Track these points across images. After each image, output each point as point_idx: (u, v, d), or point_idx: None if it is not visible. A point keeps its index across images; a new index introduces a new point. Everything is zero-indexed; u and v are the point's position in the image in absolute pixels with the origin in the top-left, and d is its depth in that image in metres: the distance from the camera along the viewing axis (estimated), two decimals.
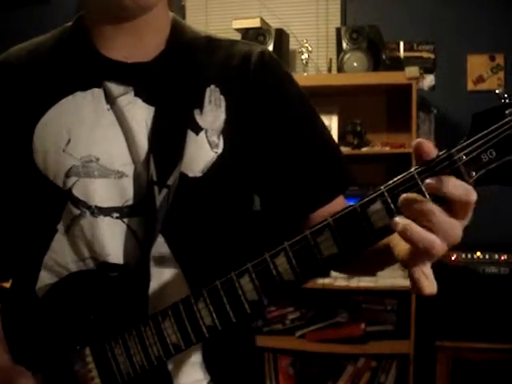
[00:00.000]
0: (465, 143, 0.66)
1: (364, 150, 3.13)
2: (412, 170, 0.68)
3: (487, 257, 2.88)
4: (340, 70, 3.18)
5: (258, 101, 0.95)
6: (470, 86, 3.36)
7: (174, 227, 0.90)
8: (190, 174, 0.90)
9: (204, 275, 0.86)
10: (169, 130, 0.91)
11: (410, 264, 0.68)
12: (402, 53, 3.42)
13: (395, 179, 0.69)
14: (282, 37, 3.28)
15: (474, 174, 0.65)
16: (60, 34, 1.01)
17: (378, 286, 2.99)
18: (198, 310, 0.79)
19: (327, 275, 3.02)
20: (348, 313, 3.09)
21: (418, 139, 0.69)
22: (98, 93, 0.93)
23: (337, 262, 0.72)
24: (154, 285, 0.88)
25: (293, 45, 3.45)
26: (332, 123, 3.19)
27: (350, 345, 2.99)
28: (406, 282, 2.89)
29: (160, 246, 0.89)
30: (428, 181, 0.66)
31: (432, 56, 3.41)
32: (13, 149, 0.94)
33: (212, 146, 0.92)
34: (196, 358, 0.92)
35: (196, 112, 0.92)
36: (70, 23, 1.02)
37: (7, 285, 1.02)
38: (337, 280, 3.02)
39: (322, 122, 1.00)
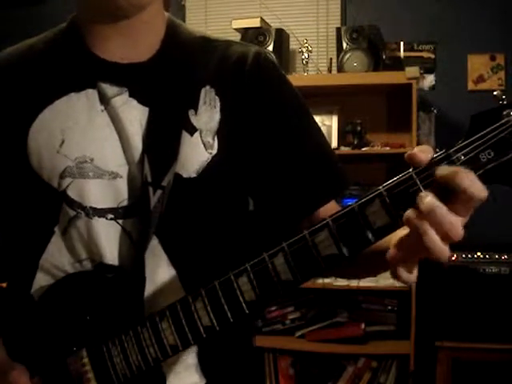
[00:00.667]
0: (463, 143, 0.67)
1: (364, 149, 3.13)
2: (410, 170, 0.69)
3: (487, 257, 2.88)
4: (340, 69, 3.18)
5: (254, 102, 0.95)
6: (471, 86, 3.36)
7: (168, 228, 0.89)
8: (185, 175, 0.90)
9: (198, 276, 0.86)
10: (163, 131, 0.91)
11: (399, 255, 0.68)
12: (402, 53, 3.42)
13: (393, 179, 0.69)
14: (282, 37, 3.28)
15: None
16: (53, 36, 1.00)
17: (378, 286, 2.99)
18: (195, 310, 0.79)
19: (326, 276, 3.02)
20: (348, 313, 3.09)
21: (410, 152, 0.69)
22: (92, 94, 0.92)
23: (336, 262, 0.72)
24: (149, 286, 0.88)
25: (293, 45, 3.45)
26: (332, 123, 3.19)
27: (350, 345, 2.99)
28: None
29: (154, 248, 0.89)
30: (442, 169, 0.65)
31: (432, 56, 3.41)
32: (7, 151, 0.94)
33: (207, 146, 0.91)
34: (191, 360, 0.92)
35: (191, 112, 0.92)
36: (63, 24, 1.02)
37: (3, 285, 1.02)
38: (337, 280, 3.01)
39: (317, 125, 1.00)
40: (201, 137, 0.91)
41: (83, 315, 0.87)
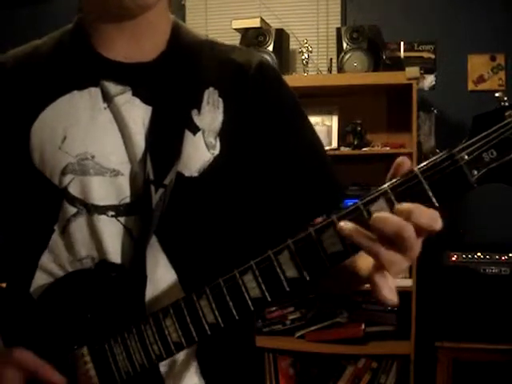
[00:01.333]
0: (466, 143, 0.68)
1: (364, 150, 3.13)
2: (415, 169, 0.69)
3: (487, 257, 2.88)
4: (340, 70, 3.17)
5: (256, 106, 0.95)
6: (471, 86, 3.35)
7: (168, 227, 0.90)
8: (187, 174, 0.90)
9: (196, 276, 0.86)
10: (166, 130, 0.91)
11: (373, 274, 0.70)
12: (402, 53, 3.42)
13: (398, 178, 0.70)
14: (282, 37, 3.28)
15: (475, 172, 0.67)
16: (59, 36, 1.01)
17: None
18: (200, 308, 0.79)
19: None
20: (348, 313, 3.09)
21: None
22: (94, 92, 0.93)
23: (342, 258, 0.73)
24: (149, 284, 0.88)
25: (293, 45, 3.44)
26: (332, 123, 3.19)
27: (351, 345, 2.99)
28: (406, 283, 2.90)
29: (153, 246, 0.89)
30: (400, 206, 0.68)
31: (432, 56, 3.41)
32: (10, 148, 0.94)
33: (209, 146, 0.92)
34: (190, 362, 0.92)
35: (194, 112, 0.92)
36: (69, 25, 1.02)
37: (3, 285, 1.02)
38: None
39: (315, 134, 1.02)
40: (203, 137, 0.92)
41: (84, 313, 0.87)
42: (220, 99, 0.94)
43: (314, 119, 3.01)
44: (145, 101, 0.92)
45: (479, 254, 2.88)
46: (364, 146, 3.14)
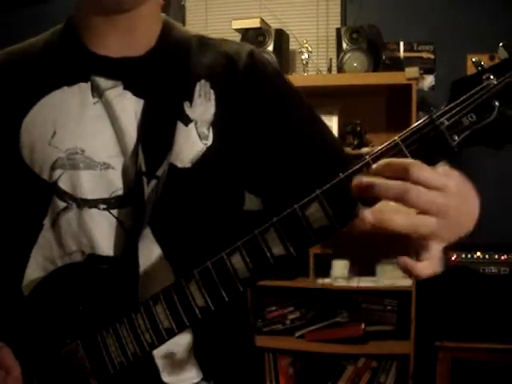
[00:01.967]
0: (446, 108, 0.69)
1: (364, 150, 3.13)
2: (396, 137, 0.69)
3: (487, 257, 2.88)
4: (340, 70, 3.18)
5: (248, 96, 0.95)
6: None
7: (160, 218, 0.90)
8: (179, 165, 0.90)
9: (189, 264, 0.85)
10: (158, 121, 0.91)
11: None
12: (401, 53, 3.42)
13: (379, 148, 0.70)
14: (281, 37, 3.28)
15: (456, 137, 0.67)
16: (51, 34, 1.02)
17: (378, 286, 2.99)
18: (189, 293, 0.79)
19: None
20: (348, 313, 3.09)
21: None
22: (84, 87, 0.93)
23: (328, 232, 0.72)
24: (142, 275, 0.88)
25: (293, 45, 3.45)
26: (332, 123, 3.19)
27: (350, 345, 2.99)
28: (406, 282, 2.90)
29: (147, 237, 0.89)
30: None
31: (432, 56, 3.41)
32: (0, 144, 0.94)
33: (201, 137, 0.92)
34: (187, 355, 0.92)
35: (186, 105, 0.93)
36: (60, 25, 1.03)
37: None
38: (337, 280, 3.02)
39: (317, 116, 1.01)
40: (196, 128, 0.92)
41: (76, 306, 0.87)
42: (212, 90, 0.94)
43: None
44: (136, 94, 0.93)
45: (479, 253, 2.89)
46: (364, 146, 3.15)
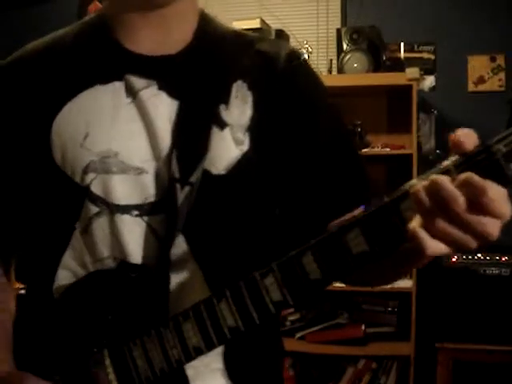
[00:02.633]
0: (504, 134, 0.61)
1: (364, 151, 3.12)
2: (448, 162, 0.63)
3: (488, 258, 2.88)
4: (340, 70, 3.17)
5: (286, 100, 0.92)
6: (471, 87, 3.35)
7: (195, 226, 0.86)
8: (214, 172, 0.86)
9: (223, 276, 0.83)
10: (193, 125, 0.87)
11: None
12: (402, 54, 3.42)
13: (430, 172, 0.64)
14: (281, 38, 3.28)
15: None
16: (81, 27, 0.97)
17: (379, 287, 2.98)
18: (220, 311, 0.77)
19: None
20: (348, 314, 3.09)
21: (456, 134, 0.61)
22: (118, 86, 0.89)
23: (367, 259, 0.69)
24: (173, 285, 0.86)
25: (293, 45, 3.44)
26: None
27: (351, 346, 2.99)
28: (407, 284, 2.90)
29: (180, 245, 0.86)
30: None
31: (432, 57, 3.41)
32: (31, 145, 0.91)
33: (237, 142, 0.88)
34: (217, 364, 0.89)
35: (222, 107, 0.89)
36: (91, 15, 0.99)
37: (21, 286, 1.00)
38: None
39: (348, 130, 0.98)
40: (231, 132, 0.88)
41: (105, 315, 0.85)
42: (249, 92, 0.90)
43: None
44: (171, 94, 0.89)
45: (479, 255, 2.88)
46: (364, 147, 3.14)
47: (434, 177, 0.60)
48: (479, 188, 0.58)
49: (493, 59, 3.34)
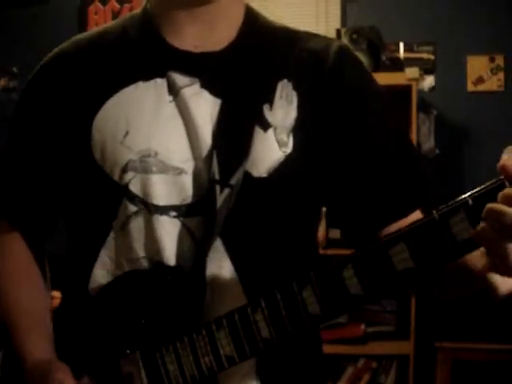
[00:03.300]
0: None
1: None
2: (502, 177, 0.60)
3: None
4: None
5: (334, 102, 0.88)
6: (470, 87, 3.36)
7: (233, 230, 0.84)
8: (255, 174, 0.84)
9: (261, 282, 0.82)
10: (235, 125, 0.85)
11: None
12: (401, 54, 3.42)
13: (481, 187, 0.61)
14: None
15: None
16: (125, 23, 0.96)
17: None
18: (254, 322, 0.75)
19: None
20: (348, 313, 3.09)
21: (503, 164, 0.59)
22: (160, 83, 0.88)
23: (412, 277, 0.66)
24: (208, 290, 0.84)
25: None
26: None
27: (350, 345, 2.98)
28: None
29: (217, 249, 0.84)
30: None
31: (432, 57, 3.41)
32: (72, 141, 0.90)
33: (281, 144, 0.85)
34: (249, 369, 0.86)
35: (265, 107, 0.86)
36: (136, 11, 0.98)
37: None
38: None
39: (401, 125, 0.93)
40: (275, 134, 0.86)
41: (139, 317, 0.84)
42: (294, 92, 0.88)
43: None
44: (213, 93, 0.87)
45: None
46: None
47: (490, 205, 0.58)
48: None
49: (492, 59, 3.34)
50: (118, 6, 3.60)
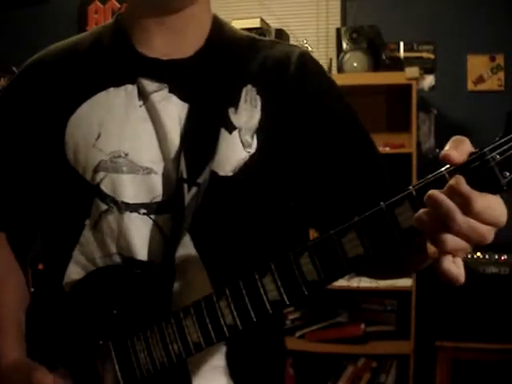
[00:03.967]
0: (498, 142, 0.62)
1: None
2: (442, 169, 0.65)
3: (487, 257, 2.88)
4: (340, 70, 3.18)
5: (297, 104, 0.93)
6: (470, 87, 3.36)
7: (201, 226, 0.89)
8: (221, 173, 0.89)
9: (228, 276, 0.85)
10: (202, 128, 0.90)
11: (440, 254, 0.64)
12: (401, 53, 3.42)
13: (425, 179, 0.66)
14: (281, 37, 3.28)
15: (507, 174, 0.61)
16: (99, 32, 1.01)
17: (378, 286, 2.99)
18: (219, 309, 0.79)
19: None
20: (348, 313, 3.10)
21: (444, 153, 0.63)
22: (131, 89, 0.93)
23: (362, 263, 0.71)
24: (177, 282, 0.88)
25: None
26: None
27: (351, 345, 2.99)
28: (406, 283, 2.90)
29: (186, 245, 0.89)
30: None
31: (432, 56, 3.41)
32: (46, 143, 0.94)
33: (245, 145, 0.90)
34: (219, 362, 0.91)
35: (231, 111, 0.91)
36: (110, 20, 1.02)
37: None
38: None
39: (363, 127, 0.96)
40: (239, 135, 0.91)
41: (111, 309, 0.87)
42: (258, 97, 0.93)
43: None
44: (181, 98, 0.92)
45: (479, 253, 2.89)
46: None
47: (431, 192, 0.61)
48: (466, 198, 0.60)
49: (492, 59, 3.34)
50: (117, 4, 3.60)
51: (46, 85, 0.96)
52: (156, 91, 0.92)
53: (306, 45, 3.28)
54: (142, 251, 0.89)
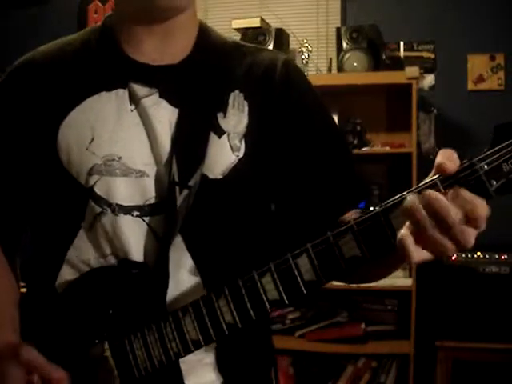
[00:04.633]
0: (487, 153, 0.68)
1: (364, 149, 3.13)
2: (434, 177, 0.70)
3: (487, 256, 2.88)
4: (340, 69, 3.18)
5: (282, 110, 0.97)
6: (470, 86, 3.36)
7: (192, 227, 0.91)
8: (211, 176, 0.92)
9: (219, 275, 0.89)
10: (192, 132, 0.93)
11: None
12: (402, 52, 3.42)
13: (418, 185, 0.70)
14: (281, 36, 3.28)
15: (494, 183, 0.68)
16: (88, 35, 1.02)
17: (378, 285, 2.98)
18: (218, 307, 0.82)
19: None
20: (348, 312, 3.09)
21: (439, 163, 0.69)
22: (122, 93, 0.95)
23: (358, 263, 0.75)
24: (171, 282, 0.90)
25: (293, 44, 3.44)
26: None
27: (350, 345, 2.99)
28: (407, 282, 2.90)
29: (178, 245, 0.91)
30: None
31: (432, 56, 3.41)
32: (38, 147, 0.96)
33: (234, 149, 0.94)
34: (209, 359, 0.94)
35: (219, 115, 0.94)
36: (98, 24, 1.04)
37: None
38: None
39: (339, 131, 1.04)
40: (228, 139, 0.94)
41: (106, 309, 0.89)
42: (245, 102, 0.96)
43: None
44: (171, 103, 0.94)
45: (479, 253, 2.89)
46: (364, 146, 3.14)
47: (429, 191, 0.67)
48: (471, 203, 0.66)
49: (492, 58, 3.34)
50: None
51: (37, 87, 0.97)
52: (147, 96, 0.94)
53: (306, 44, 3.28)
54: (136, 252, 0.91)
